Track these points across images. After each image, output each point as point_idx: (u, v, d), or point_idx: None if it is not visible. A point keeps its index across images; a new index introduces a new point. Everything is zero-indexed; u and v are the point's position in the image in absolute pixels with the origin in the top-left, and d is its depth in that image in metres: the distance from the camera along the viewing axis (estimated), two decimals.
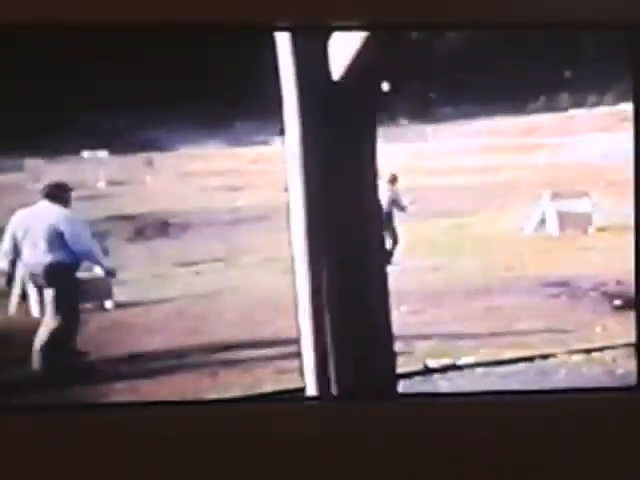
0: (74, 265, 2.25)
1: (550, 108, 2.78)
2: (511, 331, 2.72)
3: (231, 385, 2.59)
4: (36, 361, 2.24)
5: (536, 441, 2.39)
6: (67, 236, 2.20)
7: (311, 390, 2.47)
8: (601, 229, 2.93)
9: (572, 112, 2.80)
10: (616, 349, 2.69)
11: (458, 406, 2.41)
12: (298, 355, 2.47)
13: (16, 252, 2.21)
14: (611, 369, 2.68)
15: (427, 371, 2.68)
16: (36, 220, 2.19)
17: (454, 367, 2.69)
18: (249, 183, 2.76)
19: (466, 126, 2.82)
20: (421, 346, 2.72)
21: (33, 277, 2.20)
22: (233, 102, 2.54)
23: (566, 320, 2.73)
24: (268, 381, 2.60)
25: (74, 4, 2.18)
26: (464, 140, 2.84)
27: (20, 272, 2.21)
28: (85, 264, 2.29)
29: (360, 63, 2.37)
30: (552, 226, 2.95)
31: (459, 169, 2.88)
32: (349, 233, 2.45)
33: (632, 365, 2.61)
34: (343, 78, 2.39)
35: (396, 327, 2.60)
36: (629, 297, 2.71)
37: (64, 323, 2.23)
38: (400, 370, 2.63)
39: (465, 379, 2.68)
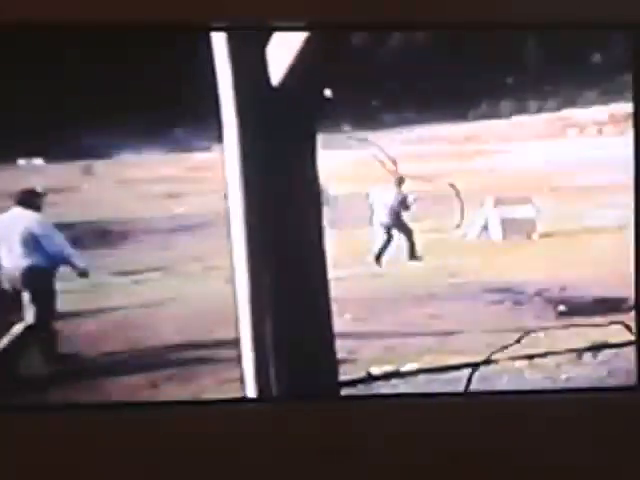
0: (50, 268, 2.34)
1: (492, 115, 2.80)
2: (454, 337, 2.72)
3: (172, 396, 2.56)
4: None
5: (536, 441, 2.46)
6: (41, 240, 2.27)
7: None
8: (545, 235, 2.95)
9: (514, 119, 2.82)
10: (560, 355, 2.70)
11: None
12: (239, 363, 2.45)
13: None
14: (554, 375, 2.68)
15: (370, 378, 2.67)
16: (10, 226, 2.25)
17: (397, 374, 2.69)
18: (189, 190, 2.72)
19: (408, 133, 2.81)
20: (365, 353, 2.70)
21: (11, 281, 2.26)
22: (172, 107, 2.50)
23: (509, 326, 2.72)
24: (209, 390, 2.56)
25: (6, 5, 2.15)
26: (406, 147, 2.82)
27: None
28: (61, 266, 2.35)
29: (299, 68, 2.36)
30: (495, 232, 2.96)
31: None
32: (290, 240, 2.44)
33: (575, 371, 2.66)
34: (282, 83, 2.38)
35: (340, 335, 2.60)
36: (573, 303, 2.75)
37: (40, 324, 2.30)
38: (344, 378, 2.64)
39: (408, 385, 2.66)
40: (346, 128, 2.76)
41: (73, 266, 2.34)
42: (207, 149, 2.55)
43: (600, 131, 2.91)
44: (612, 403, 2.50)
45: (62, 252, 2.30)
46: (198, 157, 2.63)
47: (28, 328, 2.30)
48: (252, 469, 2.37)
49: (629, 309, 2.73)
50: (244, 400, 2.52)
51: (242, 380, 2.50)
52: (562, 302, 2.76)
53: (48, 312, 2.30)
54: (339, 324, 2.63)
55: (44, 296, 2.30)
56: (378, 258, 2.84)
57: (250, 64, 2.36)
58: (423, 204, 2.90)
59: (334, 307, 2.61)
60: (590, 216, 2.88)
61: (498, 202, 2.91)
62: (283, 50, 2.38)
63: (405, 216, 2.87)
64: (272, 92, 2.38)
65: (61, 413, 2.42)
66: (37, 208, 2.30)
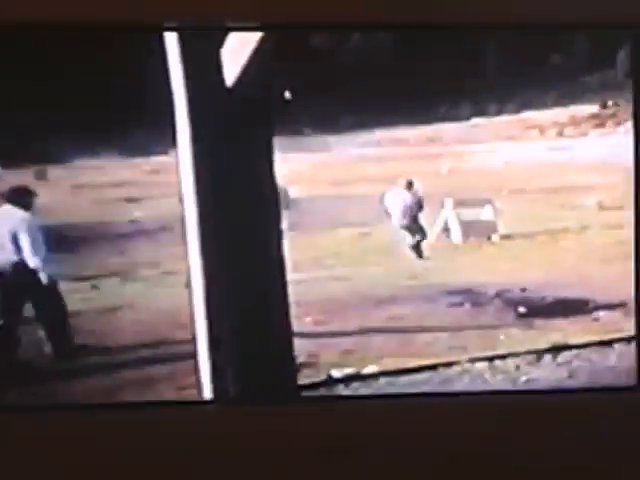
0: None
1: (452, 117, 2.79)
2: (415, 340, 2.72)
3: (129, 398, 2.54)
4: None
5: (536, 441, 2.45)
6: (21, 239, 2.30)
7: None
8: (505, 237, 2.95)
9: (474, 121, 2.82)
10: (519, 356, 2.70)
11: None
12: (196, 366, 2.45)
13: None
14: (514, 376, 2.67)
15: (331, 381, 2.66)
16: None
17: (358, 377, 2.69)
18: (147, 194, 2.70)
19: (368, 135, 2.81)
20: (325, 357, 2.69)
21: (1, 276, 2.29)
22: (128, 110, 2.48)
23: (469, 328, 2.73)
24: (167, 395, 2.55)
25: None
26: (367, 149, 2.83)
27: None
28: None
29: (254, 69, 2.34)
30: (455, 234, 2.96)
31: (362, 179, 2.87)
32: (246, 244, 2.43)
33: (535, 373, 2.66)
34: (237, 85, 2.36)
35: (301, 338, 2.60)
36: (533, 304, 2.76)
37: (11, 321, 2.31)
38: (306, 381, 2.63)
39: (369, 388, 2.65)
40: (306, 131, 2.77)
41: (42, 271, 2.34)
42: (164, 152, 2.54)
43: (560, 133, 2.94)
44: (612, 403, 2.49)
45: (35, 255, 2.31)
46: (155, 161, 2.61)
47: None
48: (207, 471, 2.37)
49: (589, 310, 2.78)
50: (201, 402, 2.51)
51: (199, 383, 2.49)
52: (522, 304, 2.77)
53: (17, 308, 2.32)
54: (300, 327, 2.62)
55: (26, 292, 2.32)
56: (418, 250, 2.85)
57: (204, 65, 2.35)
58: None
59: (295, 310, 2.60)
60: (551, 218, 2.89)
61: (458, 204, 2.92)
62: (238, 51, 2.37)
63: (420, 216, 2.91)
64: (227, 94, 2.36)
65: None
66: (27, 207, 2.31)
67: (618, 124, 2.81)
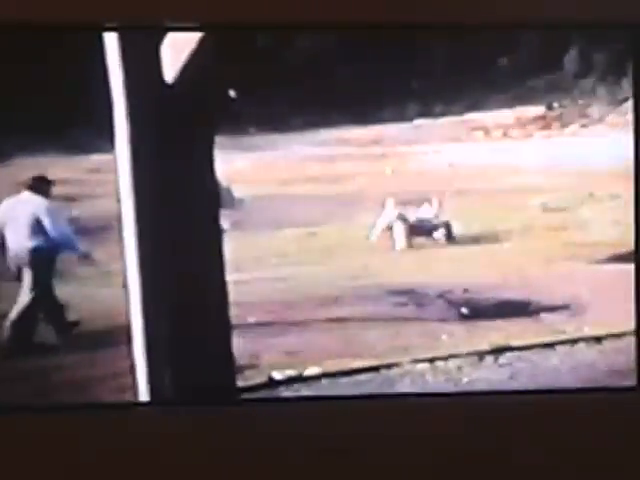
0: (52, 250, 2.50)
1: (396, 118, 2.77)
2: (357, 341, 2.70)
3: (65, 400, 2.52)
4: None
5: (536, 441, 2.49)
6: (46, 225, 2.45)
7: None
8: (448, 238, 2.93)
9: (418, 121, 2.81)
10: (461, 357, 2.71)
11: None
12: (132, 367, 2.43)
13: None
14: (456, 377, 2.68)
15: (272, 383, 2.65)
16: (17, 209, 2.43)
17: (299, 378, 2.67)
18: (87, 193, 2.66)
19: (314, 135, 2.78)
20: (267, 358, 2.67)
21: (16, 259, 2.44)
22: (67, 108, 2.45)
23: (411, 328, 2.73)
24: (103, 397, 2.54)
25: None
26: (312, 149, 2.81)
27: None
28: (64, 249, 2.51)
29: (194, 67, 2.33)
30: (398, 234, 2.93)
31: (307, 178, 2.85)
32: (185, 243, 2.42)
33: (476, 374, 2.67)
34: (177, 82, 2.34)
35: (242, 339, 2.59)
36: (476, 305, 2.76)
37: (36, 300, 2.47)
38: (247, 383, 2.62)
39: (310, 390, 2.64)
40: (251, 130, 2.75)
41: (75, 250, 2.48)
42: (103, 150, 2.51)
43: (506, 134, 2.93)
44: (612, 403, 2.52)
45: (65, 238, 2.45)
46: (94, 159, 2.57)
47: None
48: (143, 473, 2.37)
49: (532, 312, 2.78)
50: (136, 404, 2.50)
51: (135, 384, 2.48)
52: (465, 305, 2.76)
53: (46, 292, 2.46)
54: (241, 328, 2.62)
55: (45, 277, 2.47)
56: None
57: (142, 62, 2.34)
58: (328, 206, 2.90)
59: (237, 311, 2.60)
60: (494, 219, 2.87)
61: (401, 204, 2.89)
62: (179, 47, 2.34)
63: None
64: (166, 91, 2.35)
65: None
66: (46, 194, 2.42)
67: (564, 126, 2.83)
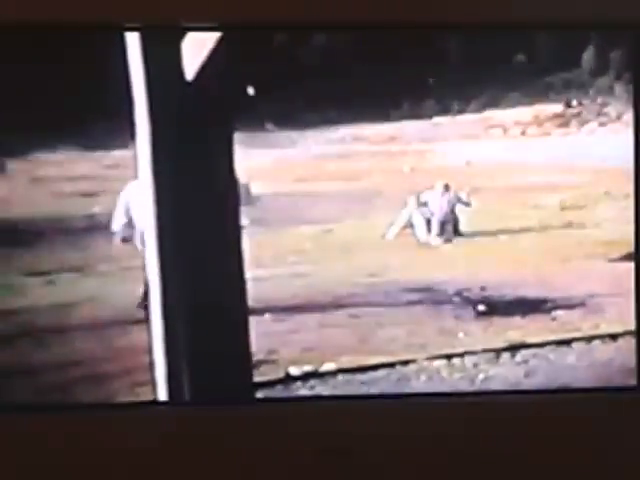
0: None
1: (414, 115, 2.78)
2: (373, 337, 2.72)
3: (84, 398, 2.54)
4: None
5: (536, 441, 2.49)
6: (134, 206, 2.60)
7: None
8: (466, 235, 2.95)
9: (436, 119, 2.81)
10: (477, 355, 2.72)
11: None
12: (151, 365, 2.45)
13: (128, 216, 2.63)
14: (472, 375, 2.69)
15: (288, 379, 2.67)
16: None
17: (316, 374, 2.69)
18: (105, 189, 2.66)
19: (332, 133, 2.80)
20: (284, 354, 2.69)
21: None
22: (87, 105, 2.47)
23: (428, 326, 2.74)
24: (123, 394, 2.55)
25: None
26: (329, 146, 2.82)
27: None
28: None
29: (214, 64, 2.34)
30: (419, 232, 2.94)
31: (324, 175, 2.85)
32: (204, 240, 2.43)
33: (492, 371, 2.68)
34: (197, 79, 2.35)
35: (260, 335, 2.60)
36: (492, 303, 2.76)
37: None
38: (263, 378, 2.63)
39: (326, 386, 2.66)
40: (269, 127, 2.76)
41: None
42: (123, 147, 2.53)
43: (524, 132, 2.93)
44: (612, 403, 2.52)
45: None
46: (114, 155, 2.59)
47: None
48: (163, 472, 2.38)
49: (548, 310, 2.78)
50: (155, 403, 2.51)
51: (154, 383, 2.50)
52: (482, 302, 2.76)
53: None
54: (259, 324, 2.63)
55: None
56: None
57: (163, 59, 2.34)
58: (344, 204, 2.91)
59: (255, 307, 2.60)
60: (512, 217, 2.88)
61: (421, 202, 2.90)
62: (198, 45, 2.36)
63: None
64: (186, 88, 2.36)
65: None
66: None
67: (582, 124, 2.83)
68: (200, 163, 2.42)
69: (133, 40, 2.35)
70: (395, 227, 2.90)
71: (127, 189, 2.59)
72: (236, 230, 2.53)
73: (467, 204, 2.88)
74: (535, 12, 2.36)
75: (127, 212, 2.62)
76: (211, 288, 2.47)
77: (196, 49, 2.34)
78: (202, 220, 2.45)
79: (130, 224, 2.62)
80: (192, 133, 2.40)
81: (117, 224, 2.61)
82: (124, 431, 2.36)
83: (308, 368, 2.67)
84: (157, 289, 2.44)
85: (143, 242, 2.56)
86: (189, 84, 2.35)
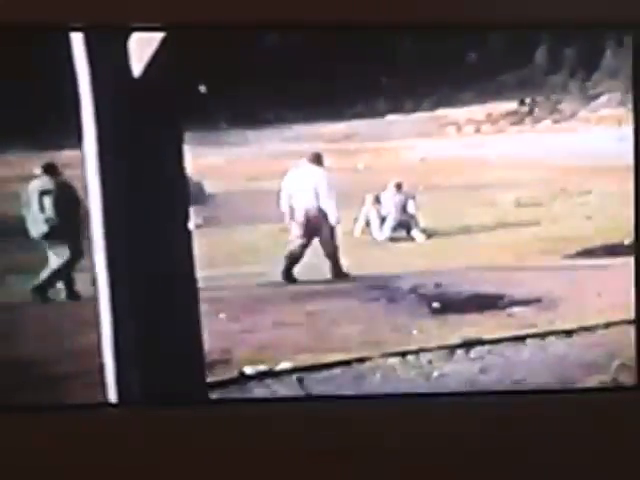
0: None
1: (368, 114, 2.79)
2: (329, 335, 2.70)
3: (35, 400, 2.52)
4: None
5: (535, 441, 2.50)
6: (323, 188, 2.85)
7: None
8: (421, 232, 2.96)
9: (390, 117, 2.82)
10: (432, 352, 2.71)
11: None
12: (101, 367, 2.44)
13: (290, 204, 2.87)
14: (427, 372, 2.69)
15: (243, 378, 2.65)
16: (304, 177, 2.80)
17: (271, 373, 2.68)
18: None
19: (286, 131, 2.79)
20: (239, 353, 2.67)
21: (305, 218, 2.83)
22: (37, 106, 2.45)
23: (384, 323, 2.73)
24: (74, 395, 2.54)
25: None
26: (283, 145, 2.81)
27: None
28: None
29: (161, 60, 2.32)
30: (376, 229, 2.96)
31: (279, 174, 2.82)
32: (154, 240, 2.41)
33: (447, 368, 2.68)
34: (144, 75, 2.33)
35: (214, 335, 2.59)
36: (447, 300, 2.76)
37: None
38: (217, 378, 2.62)
39: (282, 385, 2.66)
40: (223, 125, 2.74)
41: (331, 215, 2.85)
42: (74, 147, 2.49)
43: (478, 130, 2.93)
44: (612, 403, 2.52)
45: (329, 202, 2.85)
46: (65, 155, 2.57)
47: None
48: (112, 473, 2.38)
49: (504, 306, 2.78)
50: (106, 405, 2.50)
51: (104, 384, 2.48)
52: (436, 299, 2.76)
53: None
54: (213, 324, 2.61)
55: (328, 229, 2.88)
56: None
57: (109, 57, 2.32)
58: None
59: (208, 307, 2.59)
60: (467, 214, 2.89)
61: (378, 200, 2.93)
62: (145, 42, 2.34)
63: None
64: (133, 86, 2.34)
65: None
66: (321, 165, 2.80)
67: (536, 121, 2.84)
68: (149, 162, 2.40)
69: (78, 38, 2.33)
70: (359, 224, 2.94)
71: (288, 177, 2.81)
72: (187, 230, 2.52)
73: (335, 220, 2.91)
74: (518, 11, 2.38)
75: (289, 199, 2.84)
76: (162, 288, 2.45)
77: (143, 45, 2.32)
78: (151, 219, 2.43)
79: (292, 212, 2.86)
80: (141, 131, 2.38)
81: (282, 210, 2.84)
82: (74, 432, 2.36)
83: (263, 367, 2.68)
84: (106, 290, 2.43)
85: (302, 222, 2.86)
86: (137, 81, 2.34)
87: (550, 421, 2.50)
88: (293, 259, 2.82)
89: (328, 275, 2.84)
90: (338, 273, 2.84)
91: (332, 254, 2.83)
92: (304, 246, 2.84)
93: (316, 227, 2.85)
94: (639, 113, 2.50)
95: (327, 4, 2.33)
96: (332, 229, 2.83)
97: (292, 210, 2.83)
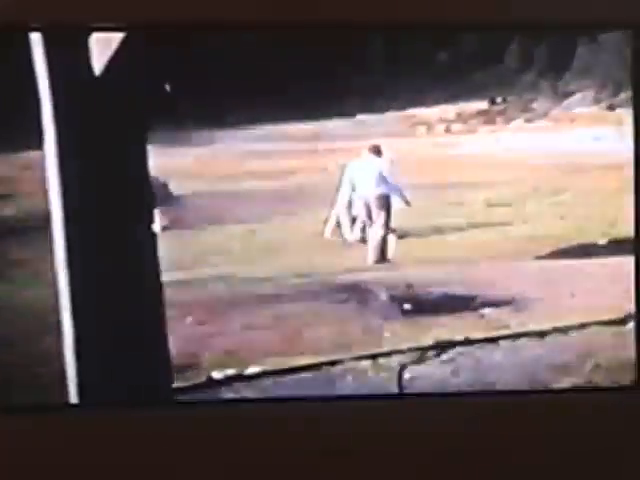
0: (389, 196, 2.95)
1: (338, 113, 2.75)
2: (298, 338, 2.66)
3: None
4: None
5: (536, 441, 2.50)
6: (387, 177, 2.91)
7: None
8: (392, 233, 2.90)
9: (360, 117, 2.78)
10: (404, 354, 2.67)
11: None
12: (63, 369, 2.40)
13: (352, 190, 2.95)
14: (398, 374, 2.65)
15: (211, 383, 2.61)
16: (365, 167, 2.86)
17: (240, 377, 2.63)
18: (20, 191, 2.59)
19: (255, 130, 2.75)
20: (207, 358, 2.63)
21: (366, 205, 2.92)
22: None
23: (354, 325, 2.69)
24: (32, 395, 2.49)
25: None
26: (251, 144, 2.78)
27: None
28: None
29: (123, 57, 2.28)
30: (346, 230, 2.91)
31: (247, 174, 2.82)
32: (118, 242, 2.37)
33: (417, 370, 2.65)
34: (105, 73, 2.29)
35: (181, 339, 2.55)
36: (419, 301, 2.73)
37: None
38: (184, 384, 2.57)
39: (251, 389, 2.61)
40: (189, 124, 2.67)
41: (403, 199, 2.91)
42: (35, 148, 2.44)
43: (448, 129, 2.91)
44: (612, 403, 2.52)
45: (398, 188, 2.90)
46: (27, 156, 2.50)
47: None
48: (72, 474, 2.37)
49: (476, 307, 2.75)
50: (67, 406, 2.46)
51: (65, 386, 2.43)
52: (408, 300, 2.73)
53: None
54: (179, 328, 2.58)
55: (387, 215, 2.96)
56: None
57: (68, 55, 2.27)
58: (269, 203, 2.85)
59: (174, 311, 2.56)
60: (438, 214, 2.87)
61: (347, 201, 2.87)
62: (106, 39, 2.30)
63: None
64: (94, 84, 2.30)
65: None
66: (380, 155, 2.84)
67: (508, 121, 2.81)
68: (112, 162, 2.36)
69: (37, 37, 2.28)
70: (329, 225, 2.89)
71: (350, 167, 2.87)
72: (152, 232, 2.48)
73: (407, 203, 2.90)
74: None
75: (353, 188, 2.91)
76: (127, 291, 2.41)
77: (105, 43, 2.27)
78: (115, 222, 2.38)
79: (352, 202, 2.93)
80: (103, 131, 2.33)
81: (343, 201, 2.90)
82: (36, 433, 2.34)
83: (231, 372, 2.64)
84: (67, 293, 2.37)
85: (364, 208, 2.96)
86: (98, 79, 2.29)
87: (550, 421, 2.51)
88: (381, 249, 2.91)
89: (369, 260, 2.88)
90: (381, 259, 2.90)
91: (384, 239, 2.90)
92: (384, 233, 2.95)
93: (377, 212, 2.92)
94: (639, 113, 2.50)
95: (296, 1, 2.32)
96: (389, 216, 2.92)
97: (352, 200, 2.90)
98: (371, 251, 2.91)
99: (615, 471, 2.54)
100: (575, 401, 2.55)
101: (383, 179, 2.93)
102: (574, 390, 2.60)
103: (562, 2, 2.34)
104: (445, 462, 2.51)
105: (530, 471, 2.53)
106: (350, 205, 2.90)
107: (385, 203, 2.94)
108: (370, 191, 2.93)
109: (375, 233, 2.93)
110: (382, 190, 2.94)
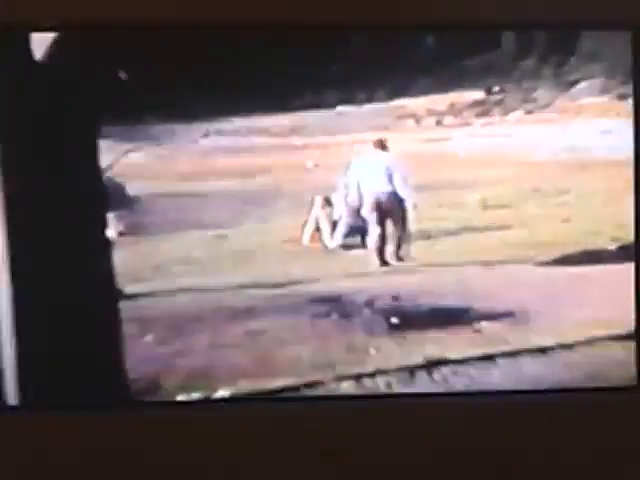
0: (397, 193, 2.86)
1: (316, 105, 2.57)
2: (274, 358, 2.46)
3: None
4: None
5: (536, 441, 2.50)
6: (395, 173, 2.81)
7: None
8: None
9: (340, 109, 2.59)
10: (390, 374, 2.48)
11: None
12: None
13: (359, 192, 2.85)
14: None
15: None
16: (372, 163, 2.77)
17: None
18: None
19: (223, 124, 2.57)
20: (170, 380, 2.42)
21: (376, 203, 2.82)
22: None
23: (336, 342, 2.50)
24: None
25: None
26: (220, 140, 2.59)
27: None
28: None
29: (67, 42, 2.08)
30: (326, 236, 2.73)
31: (215, 173, 2.63)
32: (66, 250, 2.20)
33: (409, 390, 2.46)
34: (48, 58, 2.08)
35: (140, 360, 2.38)
36: (407, 314, 2.54)
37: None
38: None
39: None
40: (148, 118, 2.48)
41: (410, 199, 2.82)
42: None
43: (439, 122, 2.73)
44: (612, 403, 2.53)
45: (406, 186, 2.81)
46: None
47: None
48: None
49: (470, 321, 2.57)
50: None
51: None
52: (395, 313, 2.54)
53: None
54: (138, 347, 2.40)
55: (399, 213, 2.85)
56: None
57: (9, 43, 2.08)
58: (239, 205, 2.67)
59: (132, 328, 2.39)
60: (427, 217, 2.69)
61: (328, 202, 2.71)
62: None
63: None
64: (35, 71, 2.09)
65: None
66: (387, 150, 2.76)
67: (506, 112, 2.65)
68: (59, 159, 2.18)
69: None
70: (307, 230, 2.73)
71: (355, 164, 2.75)
72: (105, 238, 2.29)
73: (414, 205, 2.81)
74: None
75: (359, 187, 2.80)
76: (77, 306, 2.22)
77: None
78: (63, 227, 2.22)
79: (361, 198, 2.82)
80: (48, 124, 2.14)
81: (352, 199, 2.81)
82: None
83: (197, 395, 2.42)
84: (9, 306, 2.17)
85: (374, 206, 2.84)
86: (40, 65, 2.06)
87: (550, 421, 2.49)
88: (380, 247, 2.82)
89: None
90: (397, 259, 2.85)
91: (400, 238, 2.81)
92: (382, 233, 2.84)
93: (389, 211, 2.83)
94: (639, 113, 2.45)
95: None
96: (404, 213, 2.82)
97: (361, 197, 2.80)
98: (378, 254, 2.78)
99: (615, 471, 2.53)
100: (575, 401, 2.52)
101: (391, 176, 2.85)
102: (574, 390, 2.55)
103: (562, 2, 2.32)
104: (445, 462, 2.48)
105: (530, 471, 2.51)
106: (359, 208, 2.79)
107: (398, 201, 2.82)
108: (381, 189, 2.83)
109: (388, 234, 2.83)
110: (394, 188, 2.84)
